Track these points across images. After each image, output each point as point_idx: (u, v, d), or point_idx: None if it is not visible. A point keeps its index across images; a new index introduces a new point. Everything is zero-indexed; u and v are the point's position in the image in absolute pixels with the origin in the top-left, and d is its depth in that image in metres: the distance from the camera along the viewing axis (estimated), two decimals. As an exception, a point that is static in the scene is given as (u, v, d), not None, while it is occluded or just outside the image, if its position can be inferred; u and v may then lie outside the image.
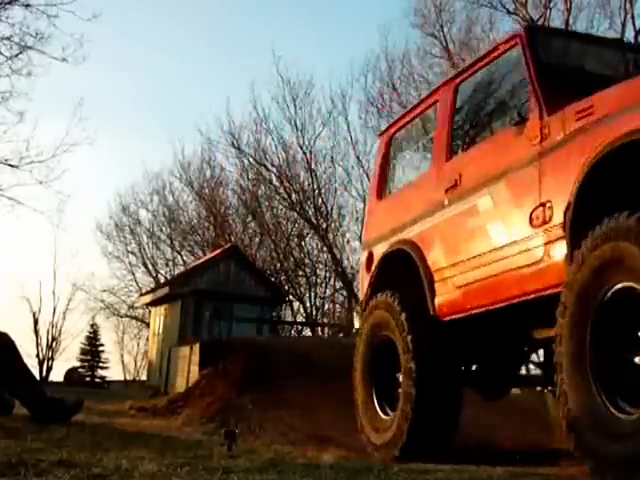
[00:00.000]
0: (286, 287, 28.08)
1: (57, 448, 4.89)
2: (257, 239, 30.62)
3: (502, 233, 4.75)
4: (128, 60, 58.21)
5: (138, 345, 40.73)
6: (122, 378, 40.94)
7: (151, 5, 57.05)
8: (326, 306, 29.14)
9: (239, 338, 12.67)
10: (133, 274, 38.21)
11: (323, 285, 29.13)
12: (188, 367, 12.18)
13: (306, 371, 9.06)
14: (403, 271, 5.75)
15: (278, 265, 28.89)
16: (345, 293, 27.95)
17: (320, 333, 26.48)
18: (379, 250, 6.25)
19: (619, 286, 3.66)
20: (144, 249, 37.60)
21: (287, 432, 7.21)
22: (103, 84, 58.23)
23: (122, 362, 42.96)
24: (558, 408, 4.36)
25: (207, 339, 13.15)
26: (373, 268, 6.30)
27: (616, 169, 3.80)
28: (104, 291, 38.52)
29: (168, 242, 36.51)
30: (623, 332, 3.71)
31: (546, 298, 4.28)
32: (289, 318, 28.41)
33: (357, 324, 7.01)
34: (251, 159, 29.23)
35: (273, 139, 28.60)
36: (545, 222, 4.30)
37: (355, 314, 26.03)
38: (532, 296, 4.45)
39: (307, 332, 26.75)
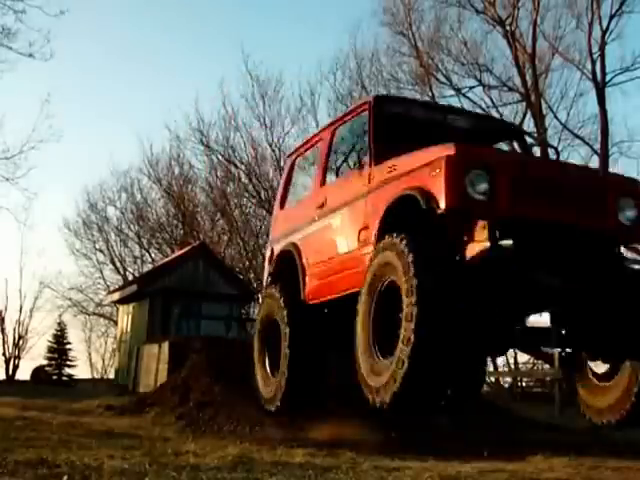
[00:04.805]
0: (255, 285, 28.00)
1: (24, 447, 4.87)
2: (226, 237, 30.51)
3: (343, 245, 6.70)
4: (97, 57, 57.80)
5: (106, 343, 40.59)
6: (90, 376, 40.71)
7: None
8: (294, 304, 29.08)
9: (207, 336, 12.64)
10: (101, 272, 38.03)
11: (292, 283, 29.08)
12: (156, 366, 12.14)
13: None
14: (289, 266, 7.56)
15: (247, 263, 28.80)
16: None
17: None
18: (277, 248, 8.12)
19: (388, 280, 5.49)
20: (112, 247, 37.41)
21: (257, 430, 7.22)
22: (71, 81, 57.76)
23: (90, 360, 42.75)
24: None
25: (176, 338, 13.09)
26: (272, 262, 8.15)
27: (399, 210, 5.69)
28: (71, 289, 38.31)
29: (136, 240, 36.30)
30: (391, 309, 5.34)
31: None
32: (258, 316, 28.36)
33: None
34: (220, 156, 29.14)
35: (242, 136, 28.56)
36: (365, 239, 6.18)
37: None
38: (355, 290, 6.04)
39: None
